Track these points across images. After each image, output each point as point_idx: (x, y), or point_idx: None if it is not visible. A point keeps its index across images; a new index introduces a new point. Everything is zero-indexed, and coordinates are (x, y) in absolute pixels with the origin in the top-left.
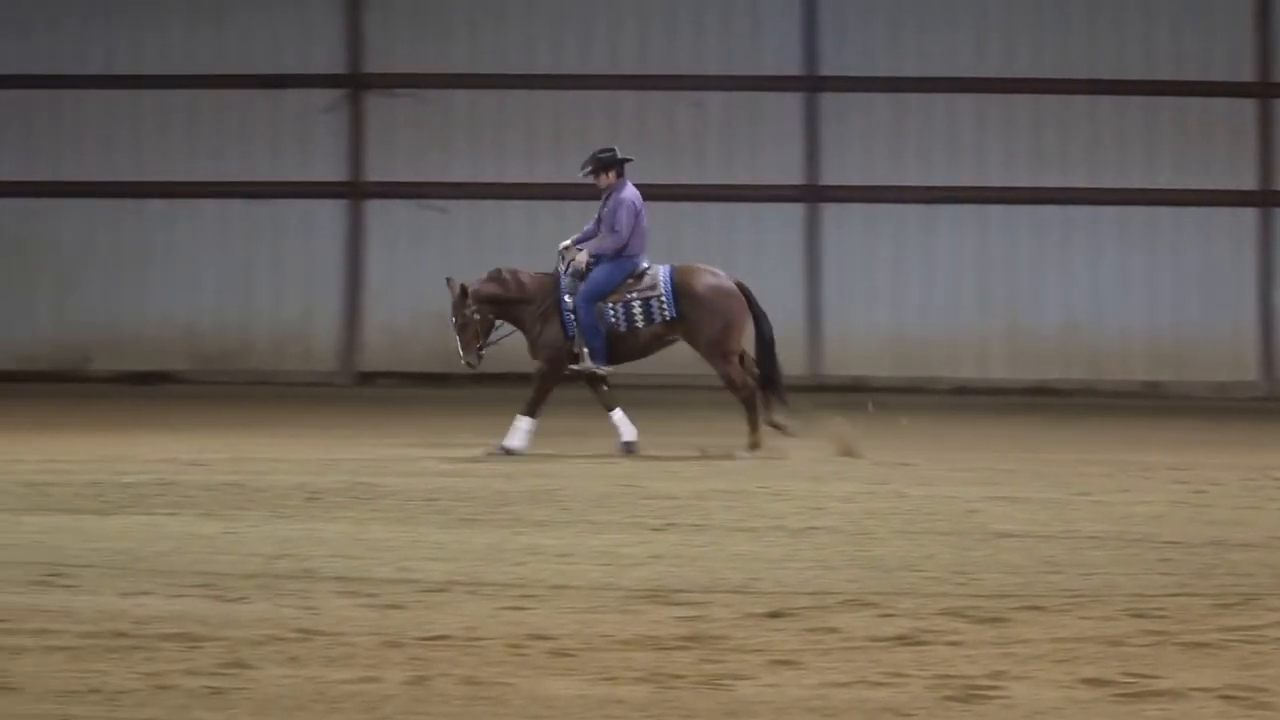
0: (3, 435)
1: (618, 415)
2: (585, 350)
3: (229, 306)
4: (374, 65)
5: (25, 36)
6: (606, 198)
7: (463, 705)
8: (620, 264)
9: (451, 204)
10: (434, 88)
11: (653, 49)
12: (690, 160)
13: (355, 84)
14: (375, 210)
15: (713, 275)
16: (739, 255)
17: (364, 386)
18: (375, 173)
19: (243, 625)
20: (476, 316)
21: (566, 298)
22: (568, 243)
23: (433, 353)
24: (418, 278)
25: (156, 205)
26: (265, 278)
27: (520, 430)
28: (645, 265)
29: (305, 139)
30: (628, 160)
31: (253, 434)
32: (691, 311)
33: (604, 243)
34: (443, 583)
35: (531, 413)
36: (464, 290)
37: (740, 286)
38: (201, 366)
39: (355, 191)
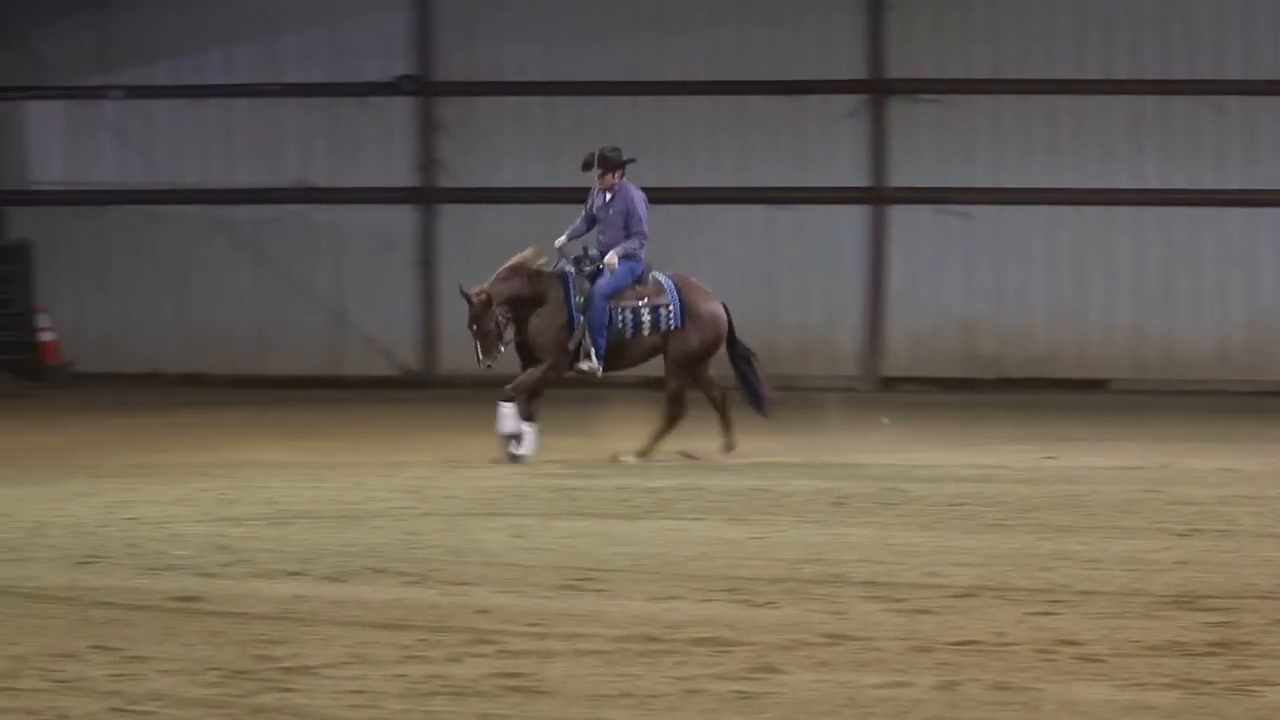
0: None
1: (531, 428)
2: (592, 350)
3: (753, 311)
4: (896, 70)
5: (550, 45)
6: (609, 197)
7: (992, 710)
8: (633, 266)
9: (973, 209)
10: (956, 93)
11: (1174, 52)
12: (1210, 164)
13: (877, 89)
14: (897, 215)
15: (709, 293)
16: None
17: (886, 391)
18: (897, 178)
19: (771, 630)
20: (500, 319)
21: (576, 297)
22: (564, 240)
23: (955, 358)
24: (939, 283)
25: (678, 211)
26: (789, 283)
27: (528, 437)
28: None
29: (828, 145)
30: (631, 161)
31: (774, 439)
32: (690, 325)
33: (632, 243)
34: (970, 588)
35: (531, 416)
36: (489, 298)
37: (724, 307)
38: (726, 372)
39: (877, 197)
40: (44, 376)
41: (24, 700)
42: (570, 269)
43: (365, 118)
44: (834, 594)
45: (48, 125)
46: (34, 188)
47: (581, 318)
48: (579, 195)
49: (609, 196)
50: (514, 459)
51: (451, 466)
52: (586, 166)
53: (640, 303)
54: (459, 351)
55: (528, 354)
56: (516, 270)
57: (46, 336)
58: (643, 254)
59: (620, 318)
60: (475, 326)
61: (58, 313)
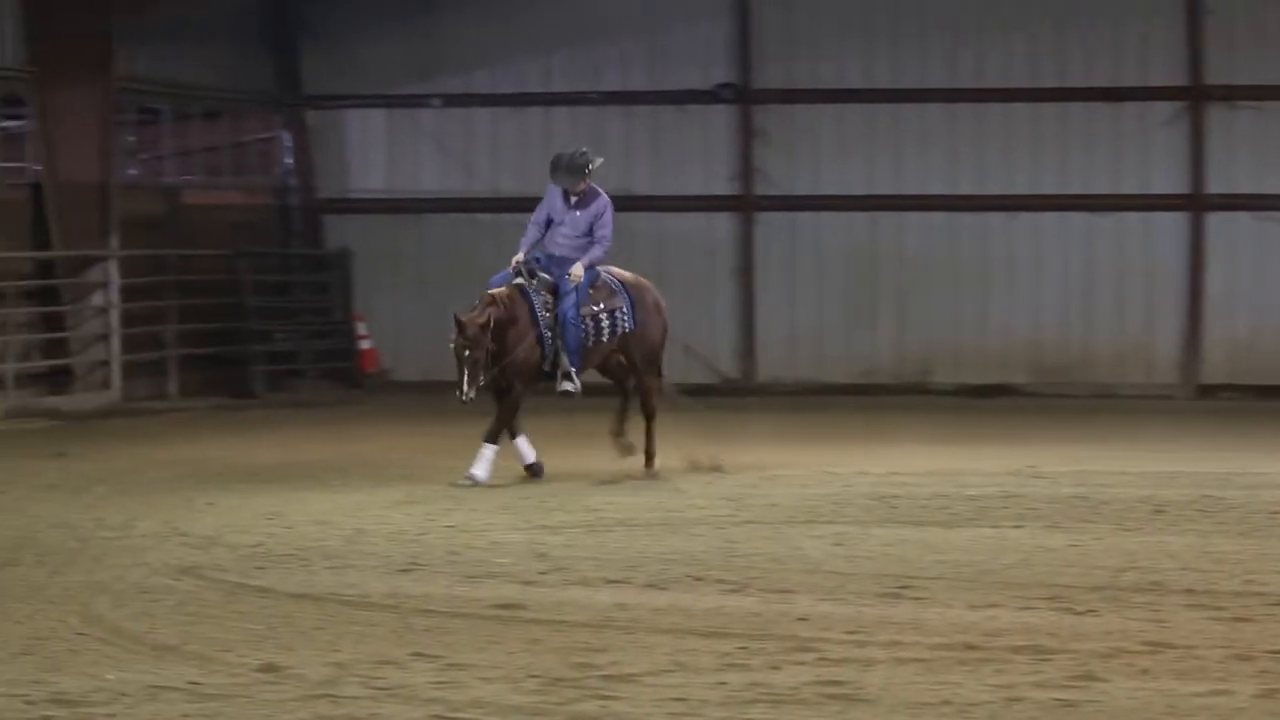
0: (847, 448)
1: (523, 440)
2: (572, 371)
3: (1070, 319)
4: (1215, 77)
5: (869, 52)
6: (576, 203)
7: None
8: (591, 273)
9: None
10: (1275, 99)
11: None
12: None
13: (1196, 96)
14: (1215, 222)
15: (649, 284)
16: None
17: (1204, 399)
18: (1215, 185)
19: (1091, 638)
20: (491, 346)
21: (544, 313)
22: (521, 256)
23: (1274, 365)
24: (1258, 290)
25: (996, 218)
26: (1106, 290)
27: (486, 459)
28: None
29: (1145, 151)
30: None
31: (1094, 447)
32: (642, 323)
33: (596, 252)
34: None
35: (495, 439)
36: (489, 322)
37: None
38: (1042, 379)
39: (1195, 204)
40: (363, 384)
41: (346, 707)
42: (528, 282)
43: (685, 126)
44: (1154, 602)
45: (367, 134)
46: (353, 196)
47: (550, 337)
48: (898, 203)
49: (573, 200)
50: (473, 481)
51: (771, 474)
52: (571, 170)
53: (598, 308)
54: (778, 359)
55: (503, 377)
56: (496, 296)
57: (365, 344)
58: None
59: (583, 327)
60: (468, 354)
61: (376, 320)
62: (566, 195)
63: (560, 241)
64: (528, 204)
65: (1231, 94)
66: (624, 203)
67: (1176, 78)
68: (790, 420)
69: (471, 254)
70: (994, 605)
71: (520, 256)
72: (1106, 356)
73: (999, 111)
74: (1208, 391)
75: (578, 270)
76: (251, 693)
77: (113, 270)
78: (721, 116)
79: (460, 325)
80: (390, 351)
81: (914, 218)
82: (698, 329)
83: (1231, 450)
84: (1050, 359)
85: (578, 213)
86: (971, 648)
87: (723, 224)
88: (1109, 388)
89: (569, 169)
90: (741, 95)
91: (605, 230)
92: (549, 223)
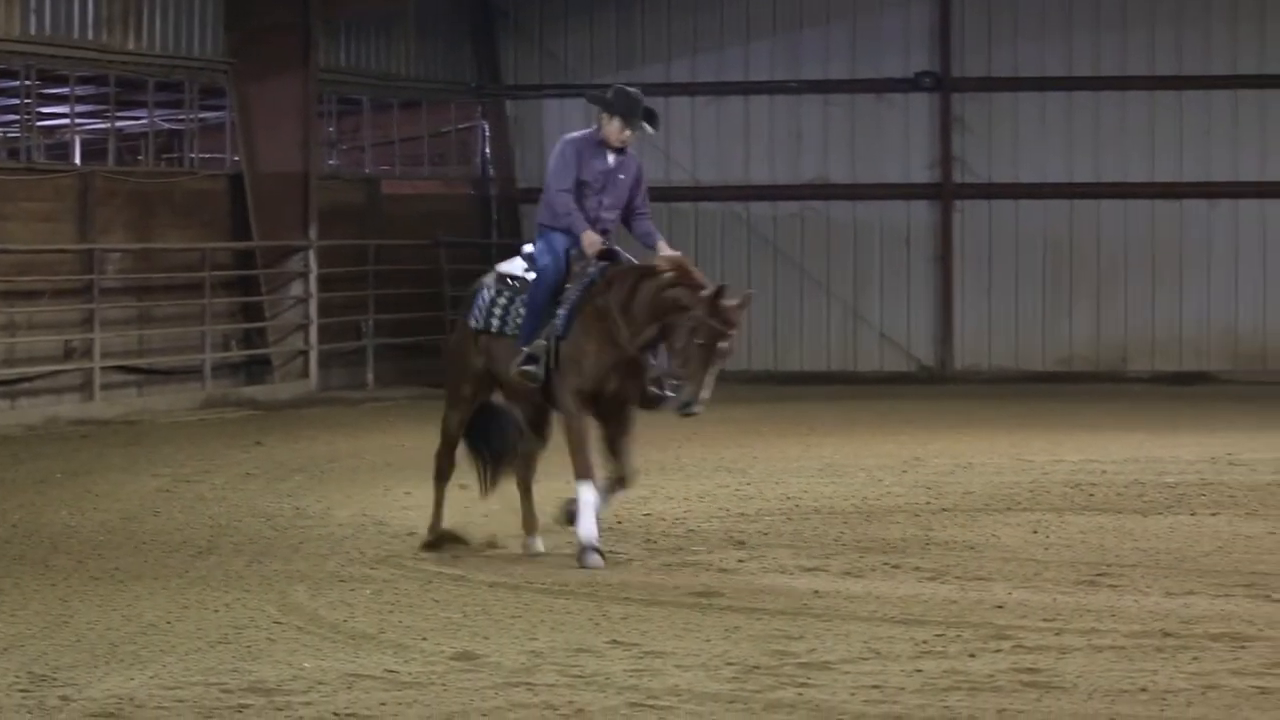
0: (1045, 435)
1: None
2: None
3: (1268, 306)
4: None
5: (1068, 40)
6: (618, 164)
7: None
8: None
9: None
10: None
11: None
12: None
13: None
14: None
15: None
16: None
17: None
18: None
19: None
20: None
21: None
22: (596, 238)
23: None
24: None
25: (1195, 205)
26: None
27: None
28: None
29: None
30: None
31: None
32: None
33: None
34: None
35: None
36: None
37: None
38: (1239, 366)
39: None
40: None
41: (542, 695)
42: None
43: (884, 114)
44: None
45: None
46: None
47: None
48: (1096, 190)
49: (613, 160)
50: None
51: (967, 462)
52: (647, 112)
53: None
54: (975, 346)
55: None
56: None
57: None
58: None
59: None
60: (726, 345)
61: None
62: (604, 151)
63: (602, 216)
64: (729, 193)
65: None
66: (822, 191)
67: None
68: (987, 407)
69: (670, 242)
70: (1191, 593)
71: (596, 238)
72: None
73: (1198, 99)
74: None
75: (673, 253)
76: (448, 681)
77: (311, 260)
78: (921, 105)
79: (724, 311)
80: None
81: (1112, 205)
82: (895, 317)
83: None
84: (1247, 346)
85: (621, 176)
86: (1168, 635)
87: (921, 212)
88: None
89: (644, 109)
90: (941, 83)
91: (646, 200)
92: (578, 189)
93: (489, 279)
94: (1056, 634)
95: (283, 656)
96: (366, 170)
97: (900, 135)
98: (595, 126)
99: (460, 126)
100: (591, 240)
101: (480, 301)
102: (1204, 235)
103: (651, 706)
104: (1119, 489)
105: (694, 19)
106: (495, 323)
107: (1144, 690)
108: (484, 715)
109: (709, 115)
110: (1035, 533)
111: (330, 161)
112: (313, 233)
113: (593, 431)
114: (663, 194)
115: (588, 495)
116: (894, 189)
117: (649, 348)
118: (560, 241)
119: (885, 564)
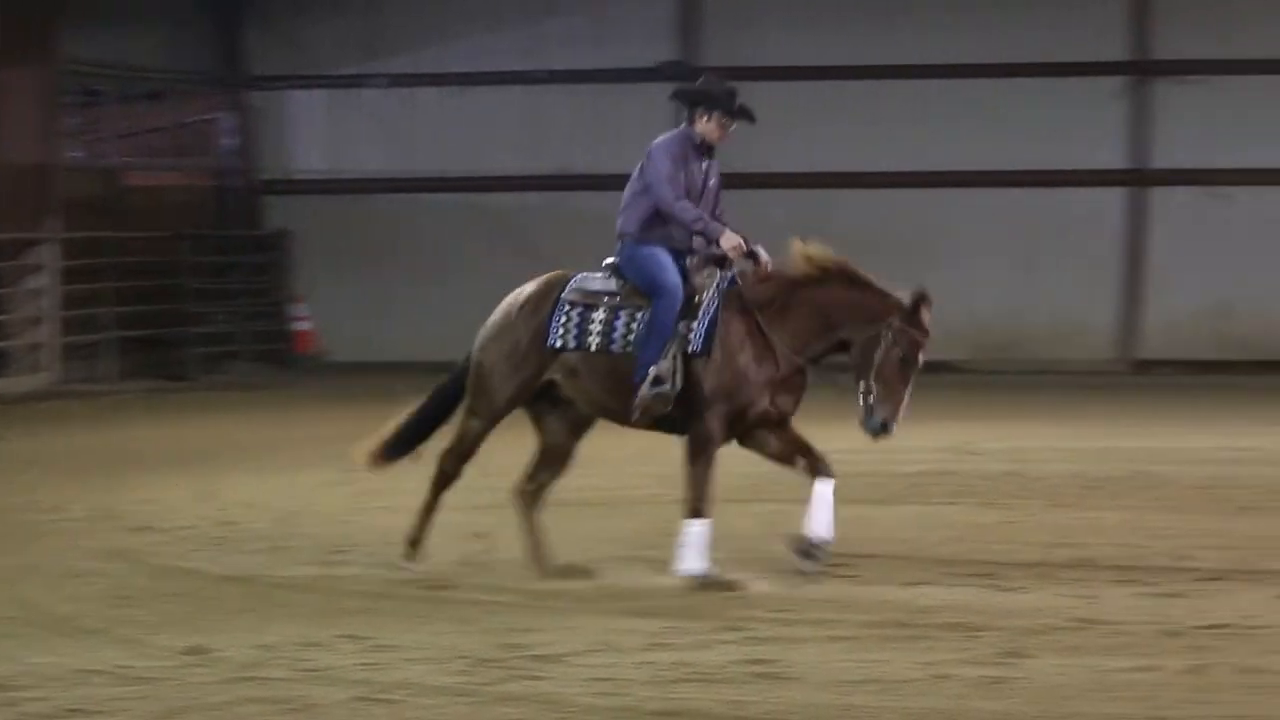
0: None
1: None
2: None
3: (1009, 294)
4: (1161, 52)
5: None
6: (709, 165)
7: (1241, 694)
8: None
9: (1236, 191)
10: (1222, 74)
11: None
12: None
13: (1141, 70)
14: (1159, 198)
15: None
16: None
17: (1142, 375)
18: (1160, 160)
19: (1020, 614)
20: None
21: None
22: (739, 241)
23: (1211, 341)
24: (1197, 265)
25: (936, 194)
26: (1045, 266)
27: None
28: None
29: (1090, 127)
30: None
31: (1029, 423)
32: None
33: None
34: (1220, 571)
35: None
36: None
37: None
38: (980, 355)
39: (1139, 179)
40: (299, 366)
41: (272, 689)
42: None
43: (627, 103)
44: (1084, 578)
45: (310, 114)
46: (296, 177)
47: None
48: (836, 180)
49: (705, 164)
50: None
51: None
52: (730, 106)
53: None
54: None
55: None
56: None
57: (303, 326)
58: None
59: None
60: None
61: (317, 302)
62: (699, 148)
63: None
64: (474, 184)
65: (1176, 69)
66: (567, 181)
67: (1121, 52)
68: None
69: (415, 235)
70: (924, 583)
71: (737, 239)
72: (1044, 332)
73: (945, 87)
74: (1145, 367)
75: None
76: (178, 675)
77: (51, 253)
78: (664, 93)
79: (922, 319)
80: (331, 333)
81: (855, 195)
82: None
83: (1166, 426)
84: (989, 336)
85: (711, 181)
86: (901, 625)
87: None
88: (1047, 364)
89: (737, 110)
90: (685, 72)
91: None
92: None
93: (569, 294)
94: (789, 625)
95: (12, 652)
96: (108, 162)
97: (645, 125)
98: (686, 124)
99: (203, 118)
100: (734, 242)
101: (560, 319)
102: (943, 223)
103: (381, 700)
104: (856, 479)
105: (441, 8)
106: (595, 340)
107: (875, 680)
108: (213, 710)
109: (456, 106)
110: (772, 524)
111: (72, 153)
112: (53, 225)
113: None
114: (408, 185)
115: (700, 532)
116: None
117: (816, 360)
118: (666, 254)
119: (621, 556)
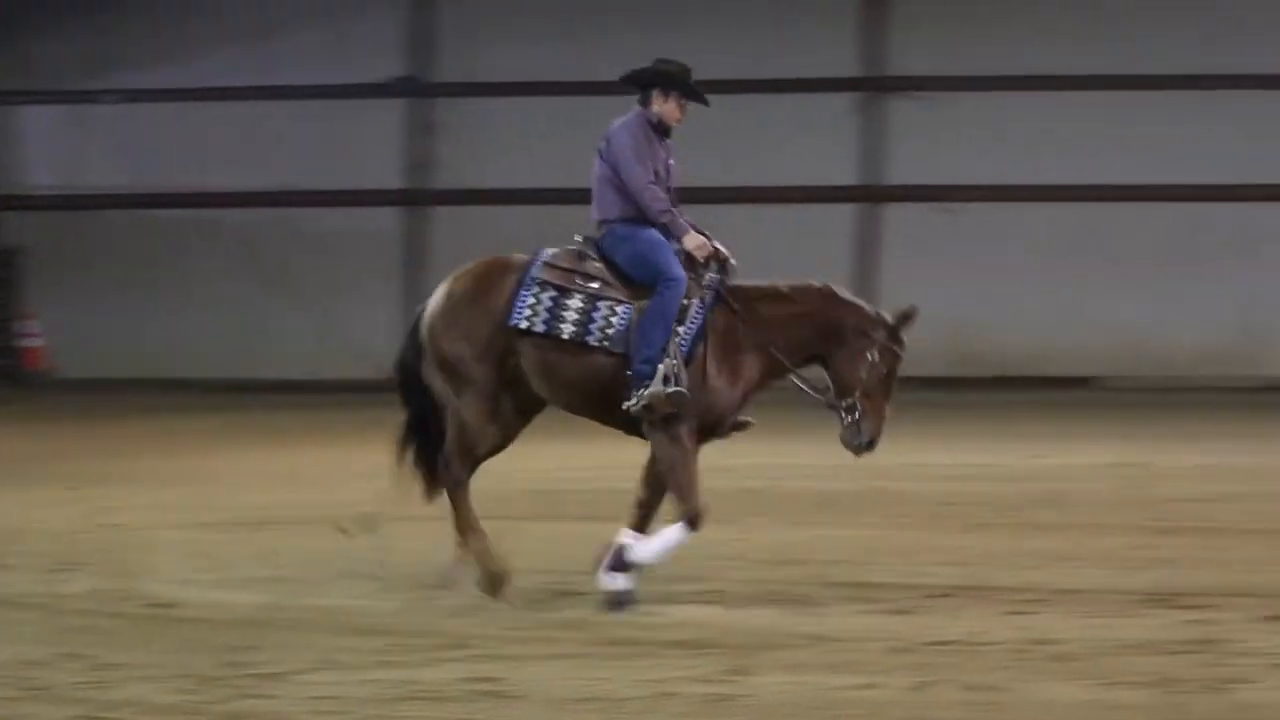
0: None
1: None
2: None
3: None
4: (893, 68)
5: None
6: (669, 147)
7: (963, 711)
8: None
9: (964, 207)
10: (953, 90)
11: (1168, 47)
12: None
13: (873, 87)
14: (891, 214)
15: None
16: None
17: None
18: (893, 176)
19: (747, 632)
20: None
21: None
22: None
23: (942, 357)
24: (929, 280)
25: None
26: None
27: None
28: None
29: (820, 142)
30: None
31: (769, 440)
32: None
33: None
34: (950, 588)
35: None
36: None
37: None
38: None
39: (870, 195)
40: (29, 382)
41: None
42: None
43: (360, 120)
44: (812, 595)
45: (41, 129)
46: (27, 193)
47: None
48: (571, 196)
49: (663, 147)
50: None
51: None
52: (688, 86)
53: None
54: None
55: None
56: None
57: (33, 342)
58: None
59: None
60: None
61: (48, 318)
62: (657, 129)
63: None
64: (204, 200)
65: (908, 85)
66: (292, 198)
67: (853, 69)
68: None
69: (145, 251)
70: (651, 600)
71: (702, 240)
72: None
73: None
74: None
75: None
76: None
77: None
78: (397, 110)
79: (901, 334)
80: (62, 350)
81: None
82: (366, 325)
83: (898, 442)
84: None
85: (671, 162)
86: (625, 643)
87: (390, 219)
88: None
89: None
90: (418, 89)
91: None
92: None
93: (539, 272)
94: (514, 643)
95: None
96: None
97: (375, 141)
98: (641, 107)
99: None
100: (698, 242)
101: (527, 298)
102: None
103: (102, 718)
104: (584, 496)
105: (174, 24)
106: (569, 329)
107: (600, 698)
108: None
109: (187, 121)
110: (499, 540)
111: None
112: None
113: None
114: (142, 201)
115: (680, 538)
116: (368, 195)
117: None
118: (666, 242)
119: (344, 574)
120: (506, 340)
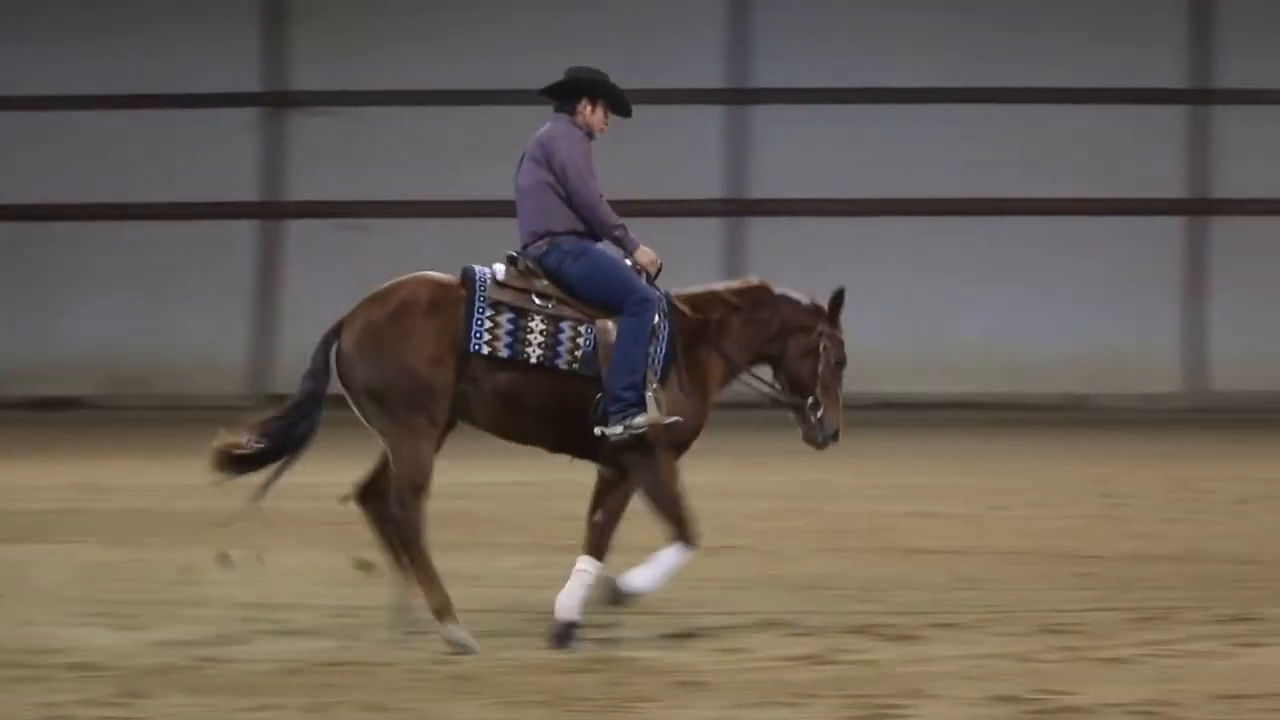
0: None
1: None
2: None
3: (142, 329)
4: (296, 83)
5: None
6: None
7: None
8: None
9: (372, 223)
10: (356, 105)
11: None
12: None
13: (275, 102)
14: (293, 230)
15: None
16: None
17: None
18: (295, 192)
19: (144, 655)
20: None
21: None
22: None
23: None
24: (336, 298)
25: (68, 228)
26: (180, 299)
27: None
28: None
29: (223, 158)
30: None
31: (162, 459)
32: None
33: None
34: (349, 608)
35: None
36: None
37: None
38: (115, 391)
39: (272, 211)
40: None
41: None
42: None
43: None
44: (210, 615)
45: None
46: None
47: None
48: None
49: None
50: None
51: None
52: (615, 95)
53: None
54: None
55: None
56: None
57: None
58: None
59: None
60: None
61: None
62: (587, 138)
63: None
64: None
65: (309, 99)
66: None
67: (255, 84)
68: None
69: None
70: (45, 623)
71: (653, 254)
72: (180, 366)
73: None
74: (280, 401)
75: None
76: None
77: None
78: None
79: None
80: None
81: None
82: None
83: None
84: (124, 370)
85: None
86: (18, 666)
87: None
88: (185, 398)
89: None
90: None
91: None
92: None
93: (492, 293)
94: None
95: None
96: None
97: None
98: (568, 116)
99: None
100: (651, 257)
101: (483, 321)
102: (76, 256)
103: None
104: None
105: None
106: (535, 352)
107: None
108: None
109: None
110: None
111: None
112: None
113: None
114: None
115: (680, 561)
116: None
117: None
118: (619, 259)
119: None
120: (462, 366)
